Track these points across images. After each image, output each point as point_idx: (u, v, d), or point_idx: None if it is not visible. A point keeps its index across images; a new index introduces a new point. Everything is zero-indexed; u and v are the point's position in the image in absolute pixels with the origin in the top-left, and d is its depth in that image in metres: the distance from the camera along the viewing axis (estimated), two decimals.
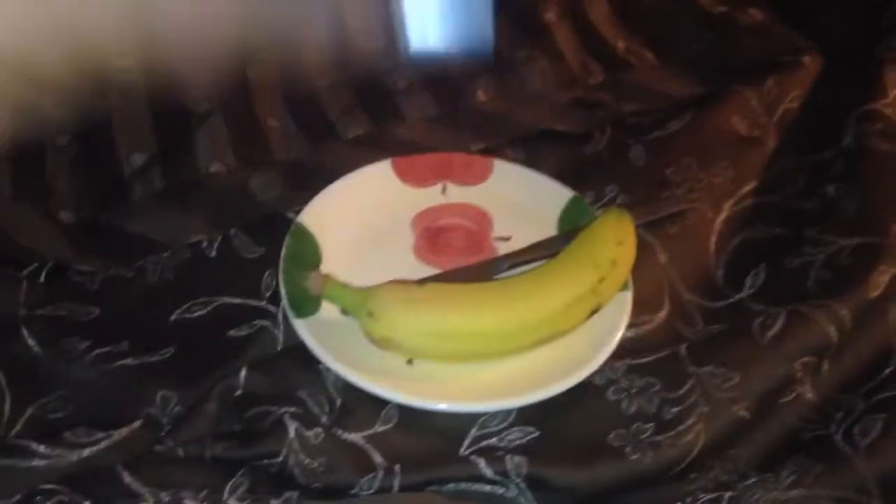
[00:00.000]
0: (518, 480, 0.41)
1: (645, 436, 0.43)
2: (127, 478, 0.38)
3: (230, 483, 0.39)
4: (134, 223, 0.51)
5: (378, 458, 0.41)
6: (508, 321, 0.44)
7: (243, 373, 0.43)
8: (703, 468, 0.43)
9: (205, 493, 0.38)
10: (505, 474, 0.41)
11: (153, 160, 0.55)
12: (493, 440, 0.43)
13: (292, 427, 0.41)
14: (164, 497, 0.38)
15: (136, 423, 0.41)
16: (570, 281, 0.45)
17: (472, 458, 0.42)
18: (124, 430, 0.41)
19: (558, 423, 0.44)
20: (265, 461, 0.40)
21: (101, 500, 0.38)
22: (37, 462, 0.39)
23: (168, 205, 0.53)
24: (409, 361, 0.45)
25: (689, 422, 0.44)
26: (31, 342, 0.45)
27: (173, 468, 0.40)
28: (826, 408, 0.46)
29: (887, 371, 0.47)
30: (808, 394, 0.46)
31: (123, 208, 0.53)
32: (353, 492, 0.41)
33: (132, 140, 0.56)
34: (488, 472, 0.41)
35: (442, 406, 0.42)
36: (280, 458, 0.40)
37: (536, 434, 0.43)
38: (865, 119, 0.58)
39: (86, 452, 0.40)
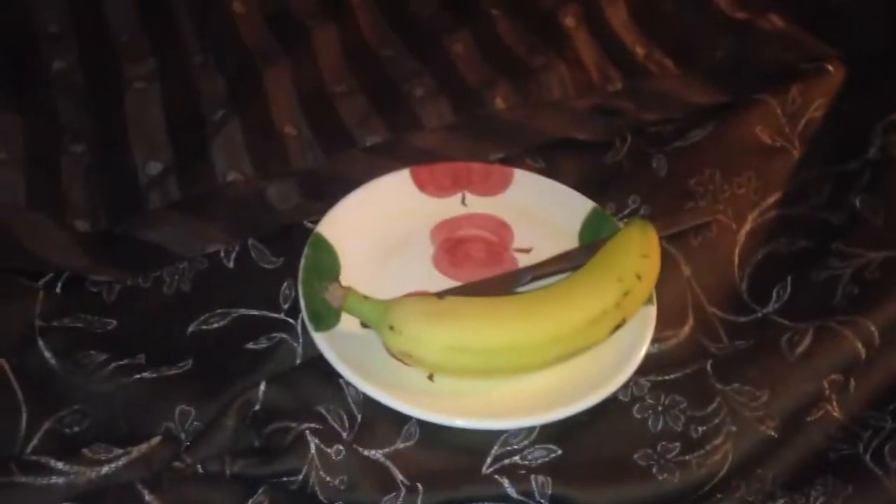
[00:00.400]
0: (543, 501, 0.40)
1: (672, 455, 0.42)
2: (147, 496, 0.38)
3: (250, 501, 0.39)
4: (150, 233, 0.51)
5: (400, 476, 0.41)
6: (532, 336, 0.43)
7: (262, 387, 0.42)
8: (730, 489, 0.42)
9: None
10: (529, 494, 0.40)
11: (169, 169, 0.55)
12: (517, 458, 0.42)
13: (313, 444, 0.40)
14: None
15: (155, 440, 0.41)
16: (595, 295, 0.44)
17: (496, 476, 0.41)
18: (143, 447, 0.40)
19: (582, 440, 0.43)
20: (285, 479, 0.40)
21: None
22: (55, 479, 0.38)
23: (185, 214, 0.52)
24: (431, 377, 0.44)
25: (717, 441, 0.43)
26: (47, 354, 0.45)
27: (193, 486, 0.39)
28: (853, 426, 0.45)
29: None
30: (835, 412, 0.45)
31: (139, 217, 0.52)
32: None
33: (148, 148, 0.56)
34: (512, 491, 0.40)
35: (463, 423, 0.42)
36: (301, 476, 0.40)
37: (560, 452, 0.42)
38: (892, 129, 0.57)
39: (105, 469, 0.39)
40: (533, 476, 0.41)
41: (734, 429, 0.43)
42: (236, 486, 0.39)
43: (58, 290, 0.47)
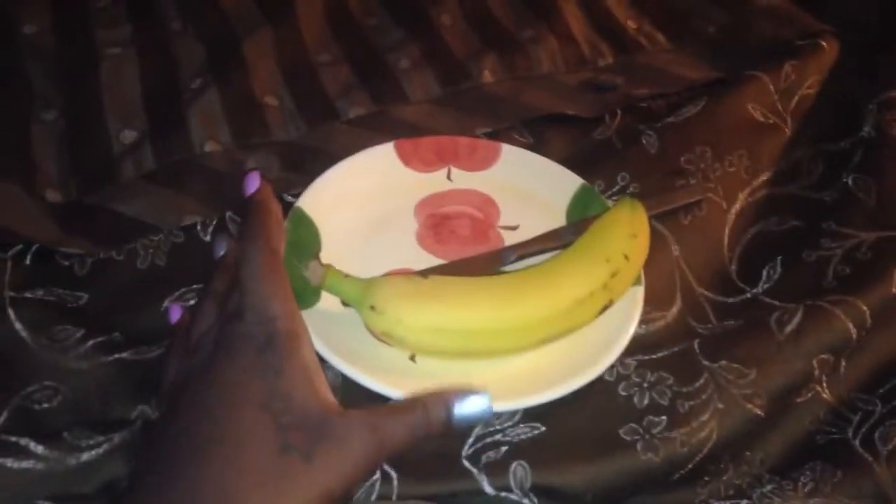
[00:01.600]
0: (523, 494, 0.39)
1: (657, 430, 0.41)
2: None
3: None
4: (124, 204, 0.49)
5: None
6: (517, 318, 0.42)
7: None
8: (717, 471, 0.41)
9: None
10: (507, 489, 0.39)
11: (144, 138, 0.53)
12: (498, 436, 0.41)
13: None
14: None
15: (136, 425, 0.39)
16: (582, 276, 0.43)
17: (475, 472, 0.40)
18: (125, 433, 0.39)
19: (566, 419, 0.42)
20: None
21: None
22: (34, 464, 0.37)
23: (160, 185, 0.50)
24: (412, 357, 0.43)
25: (704, 417, 0.42)
26: (18, 326, 0.43)
27: None
28: (842, 409, 0.44)
29: None
30: (825, 394, 0.45)
31: (113, 188, 0.50)
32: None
33: (122, 116, 0.54)
34: (490, 489, 0.40)
35: None
36: None
37: (543, 430, 0.41)
38: (886, 107, 0.56)
39: (84, 457, 0.38)
40: (511, 466, 0.40)
41: (721, 406, 0.43)
42: None
43: (27, 261, 0.46)
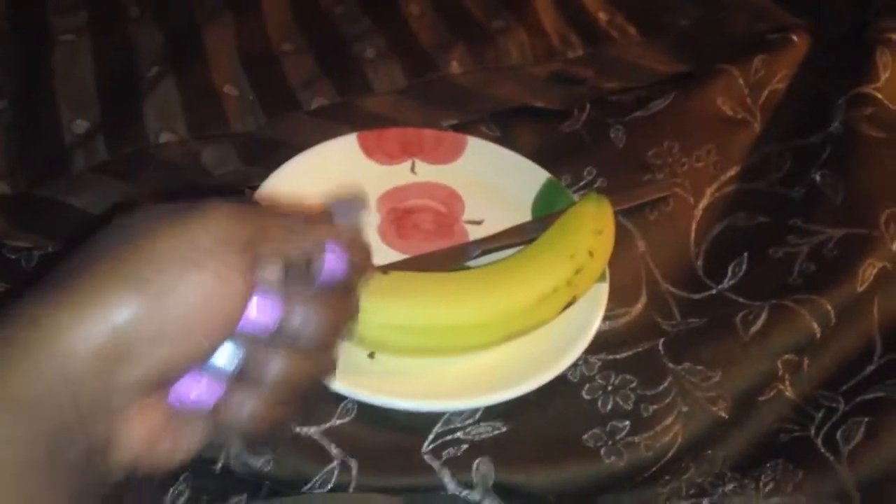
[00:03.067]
0: (485, 489, 0.39)
1: (621, 436, 0.41)
2: None
3: (171, 492, 0.36)
4: (74, 196, 0.48)
5: (333, 450, 0.39)
6: (478, 315, 0.41)
7: None
8: (679, 469, 0.41)
9: None
10: (470, 485, 0.39)
11: (97, 128, 0.51)
12: (459, 434, 0.40)
13: None
14: None
15: None
16: (545, 272, 0.42)
17: (437, 468, 0.39)
18: None
19: (529, 419, 0.41)
20: (208, 466, 0.37)
21: None
22: None
23: (112, 177, 0.49)
24: (371, 355, 0.42)
25: (667, 421, 0.42)
26: None
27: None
28: (805, 407, 0.44)
29: (869, 369, 0.45)
30: (788, 391, 0.44)
31: (63, 180, 0.49)
32: (305, 488, 0.38)
33: (75, 105, 0.52)
34: (451, 485, 0.39)
35: (403, 404, 0.40)
36: (220, 461, 0.37)
37: (504, 430, 0.41)
38: (855, 103, 0.56)
39: None
40: (475, 463, 0.39)
41: (685, 409, 0.42)
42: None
43: None
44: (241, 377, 0.26)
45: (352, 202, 0.32)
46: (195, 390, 0.25)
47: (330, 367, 0.28)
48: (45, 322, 0.22)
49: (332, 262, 0.27)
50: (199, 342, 0.24)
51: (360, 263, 0.29)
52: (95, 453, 0.24)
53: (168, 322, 0.23)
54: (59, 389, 0.22)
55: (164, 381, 0.24)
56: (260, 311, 0.25)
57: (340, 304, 0.28)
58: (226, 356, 0.25)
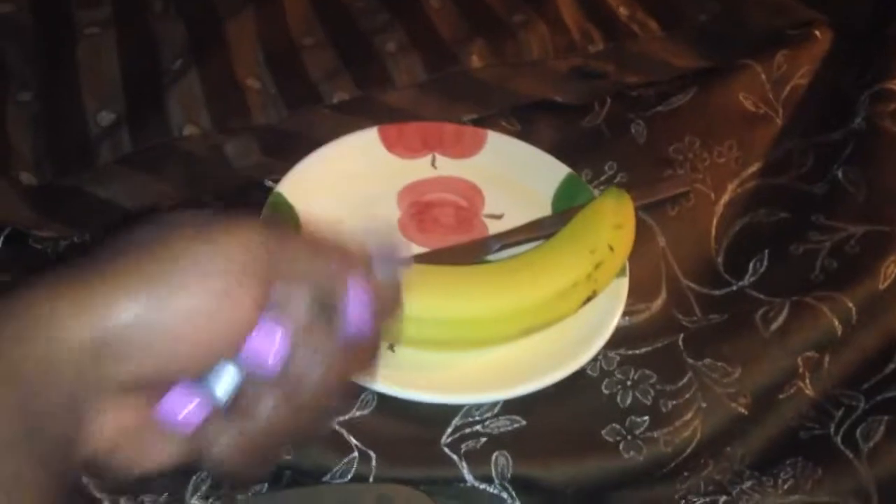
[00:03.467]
0: (504, 484, 0.39)
1: (640, 431, 0.41)
2: (86, 479, 0.36)
3: (193, 480, 0.37)
4: (100, 187, 0.48)
5: (353, 441, 0.39)
6: (497, 308, 0.41)
7: None
8: (698, 466, 0.41)
9: (165, 495, 0.36)
10: (488, 479, 0.39)
11: (122, 120, 0.52)
12: (478, 427, 0.40)
13: None
14: (124, 502, 0.35)
15: None
16: (565, 267, 0.42)
17: (456, 460, 0.39)
18: None
19: (548, 413, 0.41)
20: None
21: None
22: None
23: (136, 168, 0.49)
24: (392, 347, 0.42)
25: (687, 417, 0.42)
26: None
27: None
28: (825, 405, 0.44)
29: (891, 367, 0.45)
30: (808, 389, 0.44)
31: (89, 171, 0.49)
32: (326, 478, 0.38)
33: (100, 98, 0.53)
34: (470, 477, 0.39)
35: (423, 397, 0.40)
36: None
37: (524, 423, 0.41)
38: (878, 99, 0.55)
39: None
40: (493, 456, 0.39)
41: (704, 405, 0.42)
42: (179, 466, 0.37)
43: None
44: (232, 408, 0.25)
45: (394, 253, 0.29)
46: (184, 409, 0.24)
47: (326, 420, 0.27)
48: (45, 306, 0.22)
49: (358, 309, 0.26)
50: (191, 355, 0.23)
51: (388, 316, 0.28)
52: (67, 442, 0.23)
53: (165, 329, 0.23)
54: (43, 372, 0.22)
55: (147, 386, 0.24)
56: (263, 343, 0.24)
57: (354, 357, 0.26)
58: (225, 384, 0.25)
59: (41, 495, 0.23)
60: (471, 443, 0.40)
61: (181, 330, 0.23)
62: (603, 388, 0.43)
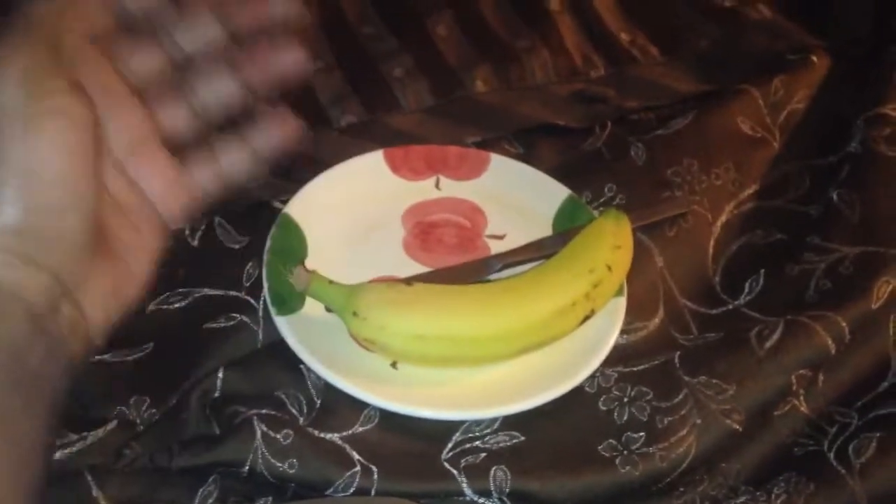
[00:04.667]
0: (502, 498, 0.40)
1: (636, 446, 0.42)
2: (95, 491, 0.37)
3: (199, 493, 0.38)
4: None
5: (356, 456, 0.40)
6: (498, 326, 0.42)
7: (220, 373, 0.42)
8: (693, 482, 0.42)
9: None
10: (487, 493, 0.40)
11: None
12: (478, 443, 0.42)
13: (259, 429, 0.39)
14: None
15: (111, 425, 0.40)
16: (564, 286, 0.43)
17: (455, 474, 0.40)
18: (99, 432, 0.39)
19: (546, 429, 0.42)
20: (234, 468, 0.39)
21: None
22: None
23: None
24: (394, 364, 0.43)
25: (682, 433, 0.43)
26: None
27: (142, 482, 0.38)
28: (819, 422, 0.45)
29: (884, 385, 0.46)
30: (802, 407, 0.45)
31: None
32: (329, 491, 0.40)
33: None
34: (469, 490, 0.40)
35: (425, 413, 0.41)
36: (247, 464, 0.39)
37: (522, 439, 0.42)
38: (873, 123, 0.56)
39: (57, 455, 0.38)
40: (492, 471, 0.40)
41: (699, 421, 0.43)
42: (185, 479, 0.38)
43: None
44: None
45: None
46: None
47: None
48: None
49: None
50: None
51: None
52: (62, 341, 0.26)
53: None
54: None
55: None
56: None
57: None
58: None
59: None
60: (470, 458, 0.41)
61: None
62: (600, 404, 0.44)
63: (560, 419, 0.43)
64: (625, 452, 0.41)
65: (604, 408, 0.43)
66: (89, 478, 0.37)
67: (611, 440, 0.42)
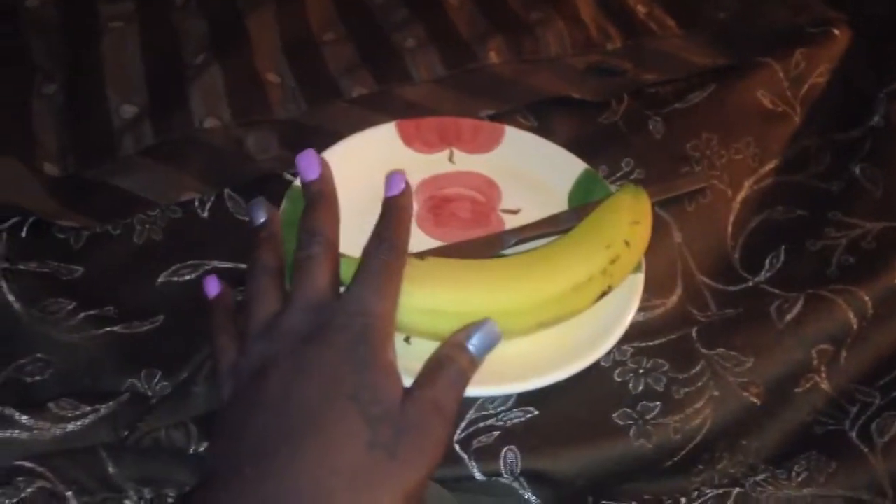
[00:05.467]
0: (511, 478, 0.39)
1: (651, 416, 0.41)
2: (111, 468, 0.36)
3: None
4: (122, 178, 0.49)
5: None
6: (513, 302, 0.41)
7: None
8: (712, 459, 0.41)
9: (188, 489, 0.36)
10: (498, 474, 0.39)
11: (145, 113, 0.52)
12: (491, 420, 0.41)
13: None
14: (147, 493, 0.36)
15: (123, 397, 0.39)
16: (581, 261, 0.42)
17: (465, 458, 0.40)
18: (112, 404, 0.39)
19: (560, 403, 0.42)
20: None
21: (85, 491, 0.35)
22: (17, 433, 0.37)
23: (159, 160, 0.50)
24: (407, 339, 0.42)
25: (698, 405, 0.42)
26: (11, 297, 0.42)
27: (158, 461, 0.37)
28: (840, 400, 0.44)
29: None
30: (823, 384, 0.44)
31: (111, 162, 0.50)
32: None
33: (123, 91, 0.53)
34: (480, 475, 0.39)
35: None
36: None
37: (536, 414, 0.41)
38: None
39: (70, 427, 0.38)
40: (502, 452, 0.39)
41: (716, 393, 0.42)
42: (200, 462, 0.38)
43: (23, 234, 0.45)
44: None
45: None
46: None
47: None
48: None
49: None
50: None
51: None
52: None
53: None
54: None
55: None
56: None
57: None
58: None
59: None
60: (483, 438, 0.40)
61: None
62: (615, 375, 0.43)
63: (574, 393, 0.42)
64: (639, 422, 0.41)
65: (619, 379, 0.43)
66: (104, 454, 0.36)
67: (625, 409, 0.41)
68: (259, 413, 0.32)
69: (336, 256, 0.38)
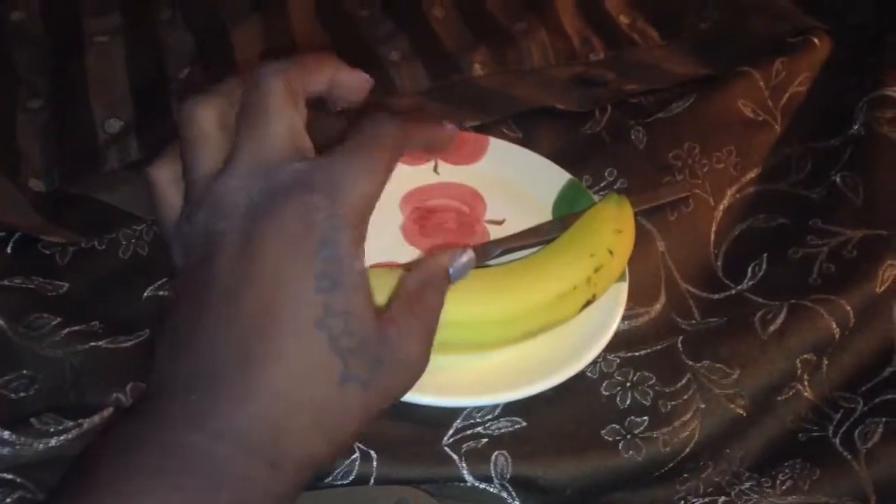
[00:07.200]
0: (503, 484, 0.39)
1: (639, 430, 0.41)
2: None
3: None
4: (107, 194, 0.49)
5: (356, 443, 0.40)
6: (498, 311, 0.41)
7: None
8: (697, 468, 0.41)
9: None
10: (487, 479, 0.39)
11: (130, 127, 0.52)
12: (479, 429, 0.41)
13: None
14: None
15: (107, 411, 0.39)
16: (565, 270, 0.43)
17: (456, 460, 0.40)
18: (95, 419, 0.39)
19: (548, 415, 0.42)
20: None
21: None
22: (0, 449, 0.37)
23: (144, 175, 0.50)
24: None
25: (685, 417, 0.42)
26: None
27: None
28: (823, 407, 0.44)
29: (889, 370, 0.46)
30: (806, 392, 0.44)
31: (96, 178, 0.50)
32: (328, 479, 0.39)
33: (108, 105, 0.53)
34: (470, 478, 0.39)
35: (426, 400, 0.40)
36: None
37: (524, 425, 0.41)
38: (876, 105, 0.56)
39: (52, 442, 0.38)
40: (493, 456, 0.40)
41: (703, 406, 0.42)
42: None
43: (8, 250, 0.45)
44: None
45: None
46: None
47: None
48: None
49: None
50: None
51: None
52: None
53: None
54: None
55: None
56: None
57: None
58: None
59: None
60: (472, 443, 0.40)
61: None
62: (602, 389, 0.43)
63: (562, 404, 0.42)
64: (628, 437, 0.41)
65: (606, 393, 0.43)
66: None
67: (614, 424, 0.42)
68: (208, 318, 0.27)
69: (299, 92, 0.31)
